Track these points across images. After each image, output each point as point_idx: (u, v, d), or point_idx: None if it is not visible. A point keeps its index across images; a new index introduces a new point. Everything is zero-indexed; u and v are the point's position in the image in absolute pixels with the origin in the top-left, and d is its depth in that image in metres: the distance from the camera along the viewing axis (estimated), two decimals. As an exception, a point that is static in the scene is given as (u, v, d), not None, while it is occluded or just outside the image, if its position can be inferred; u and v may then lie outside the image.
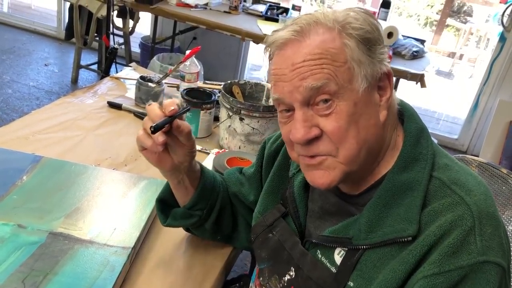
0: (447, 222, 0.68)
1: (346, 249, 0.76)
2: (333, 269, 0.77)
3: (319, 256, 0.80)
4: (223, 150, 1.51)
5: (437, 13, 6.88)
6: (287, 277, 0.85)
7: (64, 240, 0.97)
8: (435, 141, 0.80)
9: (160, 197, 1.01)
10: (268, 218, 0.92)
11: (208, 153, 1.49)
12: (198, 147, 1.51)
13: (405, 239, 0.70)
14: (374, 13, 3.26)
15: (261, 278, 0.93)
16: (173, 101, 0.83)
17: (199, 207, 0.98)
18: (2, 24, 4.87)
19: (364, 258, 0.74)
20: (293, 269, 0.84)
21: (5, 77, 3.81)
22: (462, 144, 3.98)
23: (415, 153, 0.75)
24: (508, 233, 1.09)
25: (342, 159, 0.72)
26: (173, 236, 1.11)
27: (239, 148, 1.50)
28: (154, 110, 0.83)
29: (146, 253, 1.04)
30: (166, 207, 1.02)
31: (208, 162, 1.42)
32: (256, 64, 4.70)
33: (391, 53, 2.85)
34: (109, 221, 1.05)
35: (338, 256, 0.77)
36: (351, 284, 0.74)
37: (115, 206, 1.11)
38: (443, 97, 5.24)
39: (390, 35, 2.84)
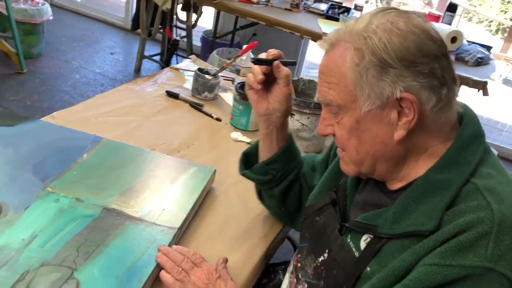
0: (465, 222, 0.67)
1: (372, 236, 0.79)
2: (357, 254, 0.80)
3: (348, 240, 0.84)
4: (272, 144, 1.53)
5: (510, 19, 6.54)
6: (321, 258, 0.89)
7: (116, 216, 1.04)
8: (495, 152, 0.78)
9: (246, 151, 1.15)
10: (319, 202, 0.97)
11: (257, 146, 1.52)
12: (247, 140, 1.55)
13: (423, 233, 0.71)
14: (439, 16, 3.15)
15: (299, 255, 0.98)
16: (275, 50, 1.01)
17: (275, 167, 1.08)
18: (76, 13, 5.15)
19: (386, 247, 0.76)
20: (327, 251, 0.88)
21: (74, 63, 4.04)
22: (525, 157, 3.79)
23: (459, 157, 0.76)
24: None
25: (348, 159, 0.85)
26: (217, 222, 1.16)
27: (288, 143, 1.52)
28: (262, 55, 1.02)
29: (190, 235, 1.09)
30: (247, 162, 1.14)
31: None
32: (314, 62, 4.68)
33: (453, 58, 2.76)
34: (159, 202, 1.11)
35: (364, 242, 0.80)
36: (368, 269, 0.76)
37: (165, 188, 1.16)
38: (509, 107, 4.99)
39: (453, 39, 2.75)
